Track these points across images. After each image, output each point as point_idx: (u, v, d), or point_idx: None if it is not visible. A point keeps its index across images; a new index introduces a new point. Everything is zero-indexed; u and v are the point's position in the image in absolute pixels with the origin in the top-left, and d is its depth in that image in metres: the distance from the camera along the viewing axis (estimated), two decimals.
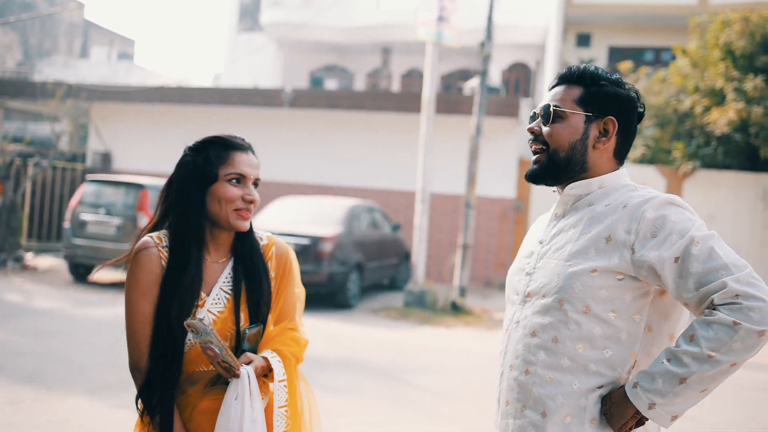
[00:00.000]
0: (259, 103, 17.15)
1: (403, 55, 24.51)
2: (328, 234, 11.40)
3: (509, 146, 15.78)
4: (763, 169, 14.95)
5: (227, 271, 2.22)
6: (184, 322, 2.02)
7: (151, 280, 2.10)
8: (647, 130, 16.46)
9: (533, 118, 2.12)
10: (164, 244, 2.14)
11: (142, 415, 2.11)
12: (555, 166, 2.04)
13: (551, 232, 2.07)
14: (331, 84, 24.09)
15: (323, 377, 7.07)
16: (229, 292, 2.19)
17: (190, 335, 2.08)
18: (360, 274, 12.19)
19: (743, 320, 1.71)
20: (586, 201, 2.02)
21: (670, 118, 15.90)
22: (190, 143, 2.24)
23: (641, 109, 2.07)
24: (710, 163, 15.15)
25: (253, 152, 2.22)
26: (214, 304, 2.16)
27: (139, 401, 2.12)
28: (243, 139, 2.24)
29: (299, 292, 2.36)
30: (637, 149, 16.28)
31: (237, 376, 2.06)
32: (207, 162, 2.16)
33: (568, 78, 2.07)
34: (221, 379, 2.16)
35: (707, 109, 14.83)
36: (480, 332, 10.41)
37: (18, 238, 14.34)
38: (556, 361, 1.92)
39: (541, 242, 2.08)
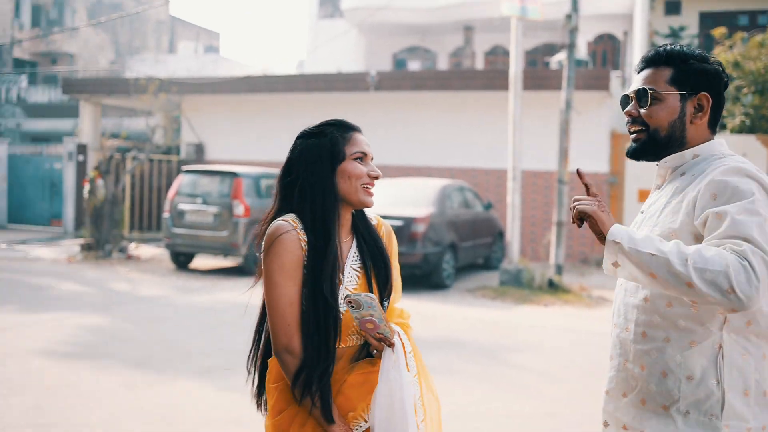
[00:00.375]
0: (344, 88, 17.24)
1: (485, 32, 24.21)
2: (421, 215, 11.39)
3: (600, 120, 15.42)
4: None
5: (353, 249, 2.29)
6: (346, 298, 2.07)
7: (295, 262, 2.14)
8: (745, 98, 15.79)
9: (625, 101, 2.23)
10: (301, 227, 2.18)
11: (300, 399, 2.11)
12: (656, 144, 2.16)
13: (649, 202, 2.21)
14: (414, 65, 24.03)
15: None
16: (359, 269, 2.26)
17: (348, 311, 2.13)
18: (454, 254, 12.15)
19: (733, 271, 1.78)
20: (680, 171, 2.15)
21: None
22: (305, 128, 2.31)
23: (726, 79, 2.17)
24: None
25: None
26: (349, 282, 2.23)
27: (296, 386, 2.12)
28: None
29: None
30: (735, 118, 15.65)
31: (392, 345, 2.13)
32: (333, 143, 2.24)
33: (656, 60, 2.18)
34: (362, 354, 2.23)
35: None
36: (579, 310, 10.25)
37: (121, 230, 14.88)
38: (649, 319, 2.05)
39: (642, 212, 2.23)
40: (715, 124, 2.18)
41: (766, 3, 19.64)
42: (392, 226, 10.71)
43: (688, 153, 2.13)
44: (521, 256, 14.33)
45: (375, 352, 2.18)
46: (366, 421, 2.13)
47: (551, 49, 23.36)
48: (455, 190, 12.95)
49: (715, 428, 1.95)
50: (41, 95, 27.00)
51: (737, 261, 1.80)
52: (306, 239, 2.17)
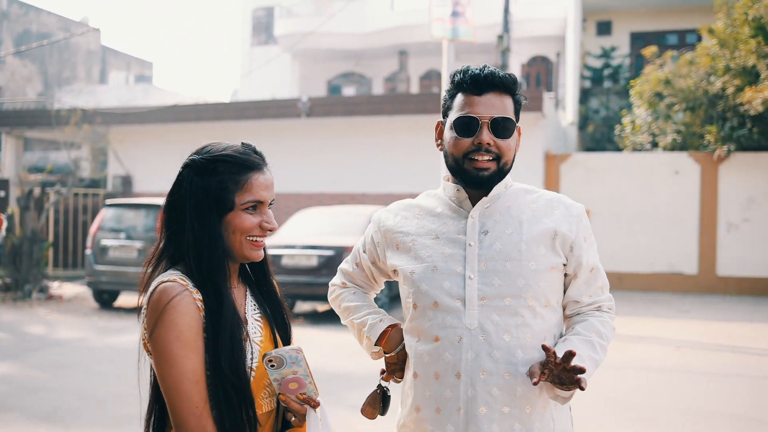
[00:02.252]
0: (276, 115, 16.84)
1: (420, 56, 24.17)
2: (353, 243, 11.03)
3: (534, 140, 15.31)
4: None
5: (249, 297, 1.96)
6: (265, 357, 1.74)
7: (195, 329, 1.74)
8: (677, 116, 15.91)
9: (465, 125, 2.14)
10: (192, 284, 1.79)
11: None
12: (502, 176, 2.13)
13: (476, 233, 2.05)
14: (348, 91, 23.81)
15: (353, 395, 6.69)
16: (260, 318, 1.94)
17: (258, 373, 1.81)
18: (388, 282, 11.77)
19: (613, 329, 2.16)
20: (505, 202, 2.10)
21: (701, 101, 15.33)
22: (195, 156, 1.88)
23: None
24: (746, 145, 14.56)
25: (267, 166, 1.92)
26: (255, 335, 1.88)
27: None
28: (254, 150, 1.91)
29: None
30: (667, 136, 15.74)
31: (317, 404, 1.82)
32: (221, 188, 1.83)
33: (503, 86, 2.12)
34: (278, 425, 1.91)
35: (740, 89, 14.27)
36: None
37: (42, 269, 14.15)
38: (531, 357, 1.98)
39: (470, 245, 2.04)
40: None
41: (694, 22, 19.96)
42: (323, 257, 10.50)
43: (501, 184, 2.13)
44: None
45: (293, 419, 1.82)
46: None
47: None
48: None
49: None
50: None
51: (611, 315, 2.18)
52: (201, 298, 1.77)
